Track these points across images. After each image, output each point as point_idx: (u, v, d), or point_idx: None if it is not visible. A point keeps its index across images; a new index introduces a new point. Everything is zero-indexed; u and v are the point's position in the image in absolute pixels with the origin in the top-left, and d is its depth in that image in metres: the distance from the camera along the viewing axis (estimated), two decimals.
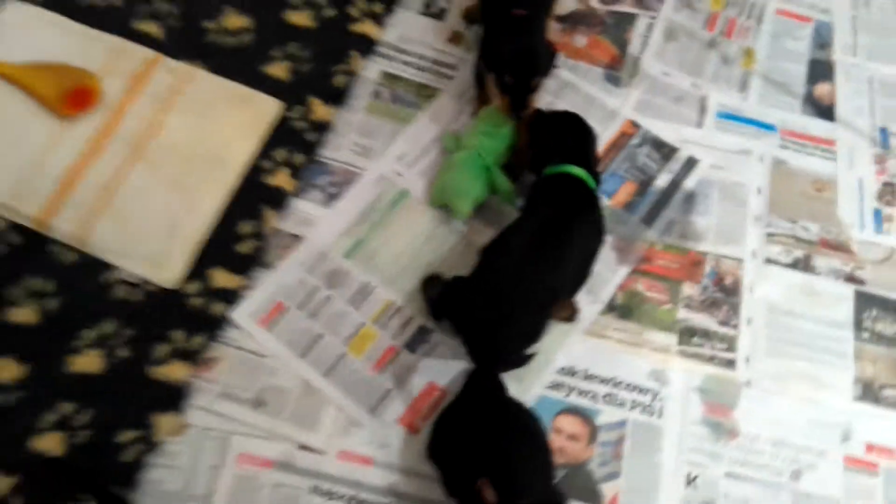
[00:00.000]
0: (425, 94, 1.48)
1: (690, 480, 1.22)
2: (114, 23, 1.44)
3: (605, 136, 1.48)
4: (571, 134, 1.29)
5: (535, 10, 1.38)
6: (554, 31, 1.57)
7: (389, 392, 1.23)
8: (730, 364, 1.31)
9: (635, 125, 1.50)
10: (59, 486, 1.10)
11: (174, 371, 1.19)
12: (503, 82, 1.30)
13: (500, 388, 1.18)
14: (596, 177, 1.26)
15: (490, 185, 1.34)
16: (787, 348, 1.33)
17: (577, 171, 1.23)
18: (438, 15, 1.57)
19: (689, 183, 1.45)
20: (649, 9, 1.64)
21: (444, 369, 1.24)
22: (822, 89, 1.60)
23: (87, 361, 1.18)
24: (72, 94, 1.32)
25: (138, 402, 1.17)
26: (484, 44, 1.39)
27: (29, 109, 1.32)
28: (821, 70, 1.62)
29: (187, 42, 1.44)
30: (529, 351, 1.22)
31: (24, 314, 1.20)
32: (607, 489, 1.20)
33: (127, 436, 1.14)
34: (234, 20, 1.47)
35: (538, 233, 1.17)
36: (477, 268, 1.19)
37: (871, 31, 1.68)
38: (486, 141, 1.31)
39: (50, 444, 1.13)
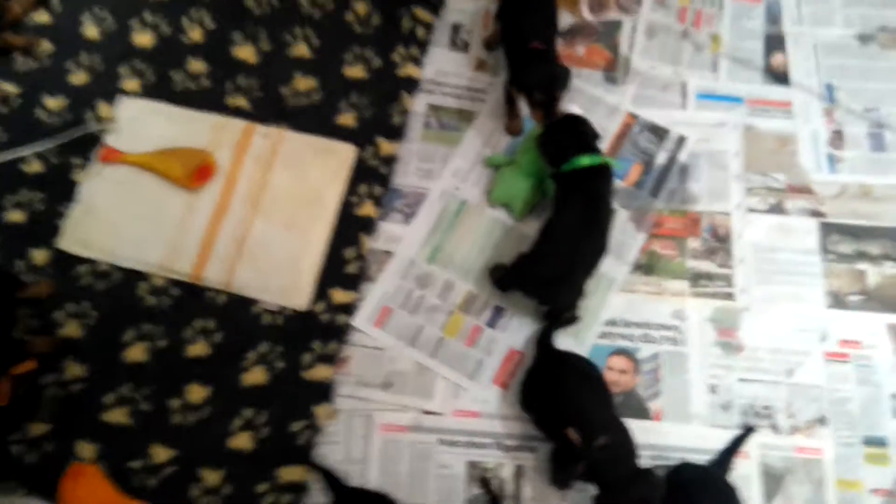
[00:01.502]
0: (465, 117, 1.73)
1: (712, 389, 1.53)
2: (209, 102, 1.68)
3: (611, 129, 1.73)
4: (573, 131, 1.52)
5: (548, 41, 1.64)
6: (559, 45, 1.79)
7: (482, 361, 1.53)
8: (730, 296, 1.60)
9: (634, 116, 1.75)
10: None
11: (320, 372, 1.49)
12: (534, 100, 1.57)
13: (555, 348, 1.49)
14: (597, 153, 1.50)
15: (539, 189, 1.61)
16: (772, 276, 1.62)
17: (588, 159, 1.47)
18: (464, 47, 1.80)
19: (682, 157, 1.71)
20: (630, 12, 1.86)
21: (520, 336, 1.55)
22: (777, 59, 1.83)
23: (255, 375, 1.48)
24: (196, 172, 1.58)
25: (299, 399, 1.47)
26: (512, 72, 1.63)
27: (164, 189, 1.59)
28: (774, 43, 1.85)
29: (271, 108, 1.69)
30: (578, 312, 1.53)
31: (198, 349, 1.50)
32: (653, 405, 1.52)
33: (297, 426, 1.45)
34: (303, 82, 1.71)
35: (583, 211, 1.43)
36: (538, 243, 1.47)
37: (812, 1, 1.89)
38: (533, 155, 1.57)
39: (242, 442, 1.44)
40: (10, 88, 1.66)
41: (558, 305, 1.49)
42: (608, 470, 1.28)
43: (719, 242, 1.65)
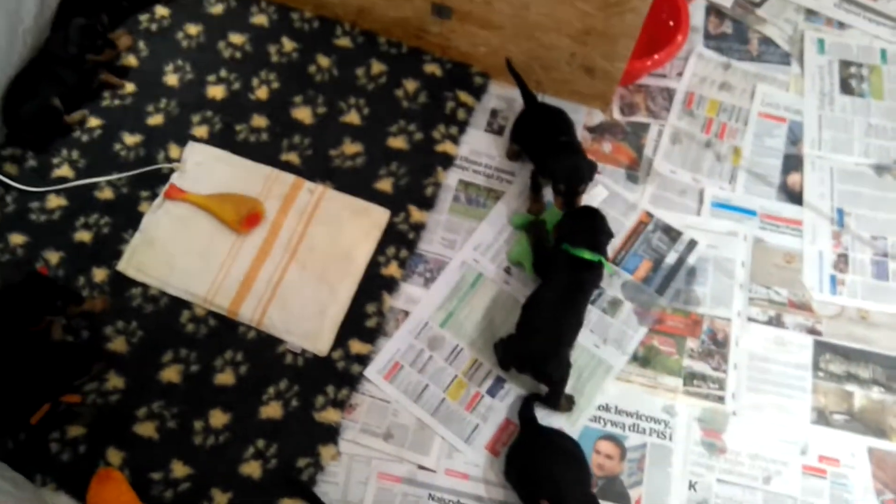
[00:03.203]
0: (493, 195, 1.82)
1: (692, 485, 1.57)
2: (265, 155, 1.81)
3: (626, 225, 1.81)
4: (590, 226, 1.61)
5: (572, 136, 1.73)
6: (586, 140, 1.89)
7: (478, 426, 1.60)
8: (720, 399, 1.65)
9: (650, 215, 1.82)
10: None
11: (330, 415, 1.58)
12: (557, 189, 1.66)
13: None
14: (602, 253, 1.59)
15: None
16: (762, 386, 1.67)
17: (590, 255, 1.55)
18: (499, 131, 1.90)
19: (691, 260, 1.78)
20: (659, 117, 1.94)
21: (516, 409, 1.60)
22: (793, 178, 1.89)
23: (271, 409, 1.58)
24: (246, 217, 1.70)
25: (308, 437, 1.56)
26: (539, 161, 1.73)
27: (216, 229, 1.71)
28: (793, 162, 1.91)
29: (319, 166, 1.81)
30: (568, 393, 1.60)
31: (225, 377, 1.61)
32: (634, 493, 1.56)
33: (303, 461, 1.54)
34: (351, 147, 1.83)
35: (564, 292, 1.54)
36: (522, 320, 1.57)
37: (834, 127, 1.95)
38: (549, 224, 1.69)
39: (252, 469, 1.53)
40: (95, 121, 1.81)
41: (550, 378, 1.55)
42: None
43: (716, 346, 1.70)
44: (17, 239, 1.69)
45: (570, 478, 1.44)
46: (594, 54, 1.72)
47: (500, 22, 1.72)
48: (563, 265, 1.58)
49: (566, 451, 1.49)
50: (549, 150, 1.71)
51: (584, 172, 1.67)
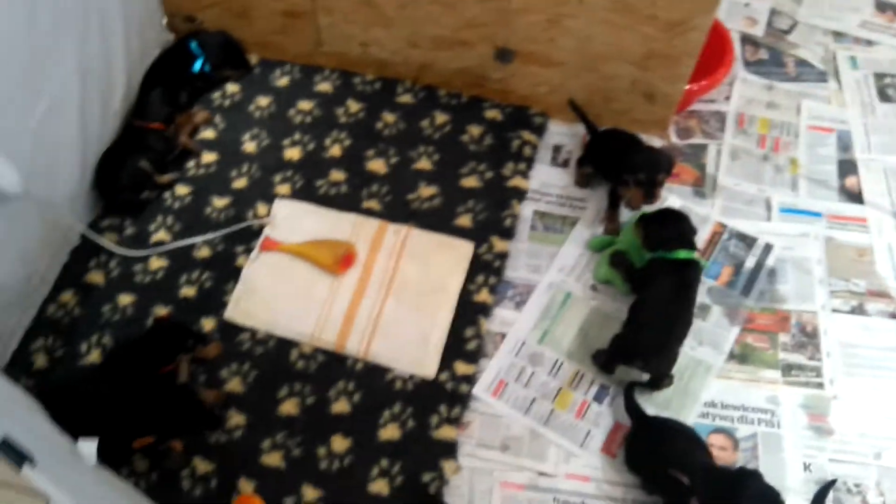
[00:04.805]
0: (568, 222, 2.39)
1: (806, 467, 2.02)
2: (347, 204, 2.38)
3: (702, 236, 2.35)
4: (675, 225, 2.15)
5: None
6: None
7: (590, 432, 2.06)
8: (820, 385, 2.13)
9: (722, 225, 2.39)
10: None
11: (446, 432, 2.04)
12: (638, 179, 2.20)
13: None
14: (695, 248, 2.13)
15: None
16: (857, 370, 2.16)
17: (685, 254, 2.09)
18: (564, 164, 2.50)
19: (770, 262, 2.32)
20: (715, 138, 2.56)
21: (623, 413, 2.08)
22: (850, 181, 2.49)
23: (390, 431, 2.04)
24: (342, 260, 2.24)
25: (429, 454, 2.01)
26: (616, 170, 2.26)
27: (312, 273, 2.25)
28: (848, 167, 2.51)
29: (399, 210, 2.37)
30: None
31: (340, 406, 2.07)
32: None
33: (427, 477, 1.98)
34: (426, 190, 2.41)
35: (672, 291, 2.05)
36: (632, 319, 2.07)
37: (880, 132, 2.59)
38: (630, 239, 2.21)
39: (380, 487, 1.97)
40: (184, 189, 2.41)
41: (658, 370, 2.04)
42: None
43: (807, 338, 2.20)
44: (125, 299, 2.22)
45: (693, 451, 1.89)
46: (655, 79, 2.33)
47: (562, 58, 2.35)
48: (663, 271, 2.08)
49: (682, 431, 1.96)
50: (625, 152, 2.26)
51: (663, 162, 2.22)
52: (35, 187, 2.02)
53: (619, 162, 2.27)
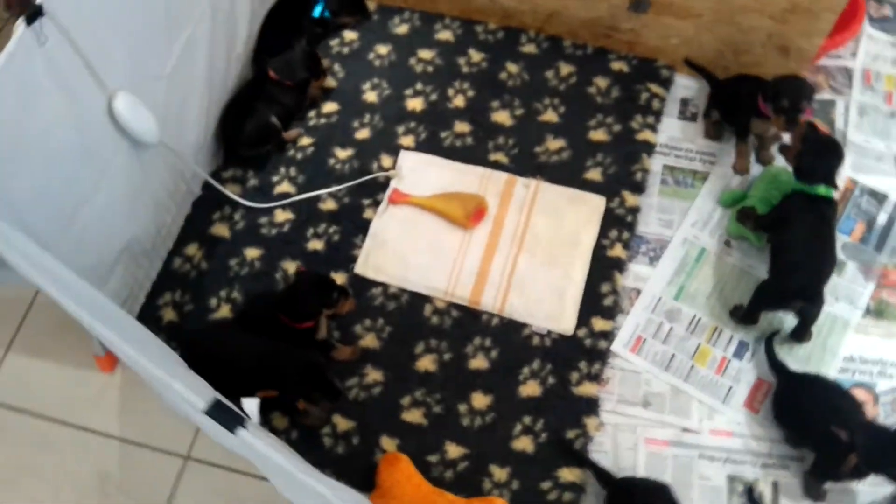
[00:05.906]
0: (699, 176, 2.35)
1: None
2: (473, 157, 2.35)
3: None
4: (831, 157, 2.10)
5: None
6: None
7: (731, 388, 2.05)
8: None
9: (854, 181, 2.35)
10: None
11: (587, 389, 2.03)
12: (781, 106, 2.14)
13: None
14: (835, 187, 2.09)
15: None
16: None
17: (824, 190, 2.05)
18: (692, 118, 2.45)
19: None
20: (842, 94, 2.50)
21: (765, 368, 2.07)
22: None
23: (530, 388, 2.03)
24: (473, 214, 2.21)
25: (571, 411, 2.01)
26: (762, 88, 2.20)
27: (441, 226, 2.23)
28: None
29: (527, 163, 2.34)
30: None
31: (478, 362, 2.07)
32: None
33: (572, 433, 1.97)
34: (553, 143, 2.36)
35: (813, 228, 2.03)
36: (777, 260, 2.06)
37: None
38: (762, 191, 2.19)
39: (524, 444, 1.97)
40: (307, 140, 2.38)
41: (815, 311, 2.02)
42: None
43: None
44: (252, 253, 2.21)
45: (851, 408, 1.88)
46: (793, 33, 2.26)
47: (700, 10, 2.28)
48: (802, 209, 2.05)
49: (836, 387, 1.95)
50: (754, 90, 2.21)
51: (806, 89, 2.16)
52: (166, 136, 1.99)
53: (751, 97, 2.22)
